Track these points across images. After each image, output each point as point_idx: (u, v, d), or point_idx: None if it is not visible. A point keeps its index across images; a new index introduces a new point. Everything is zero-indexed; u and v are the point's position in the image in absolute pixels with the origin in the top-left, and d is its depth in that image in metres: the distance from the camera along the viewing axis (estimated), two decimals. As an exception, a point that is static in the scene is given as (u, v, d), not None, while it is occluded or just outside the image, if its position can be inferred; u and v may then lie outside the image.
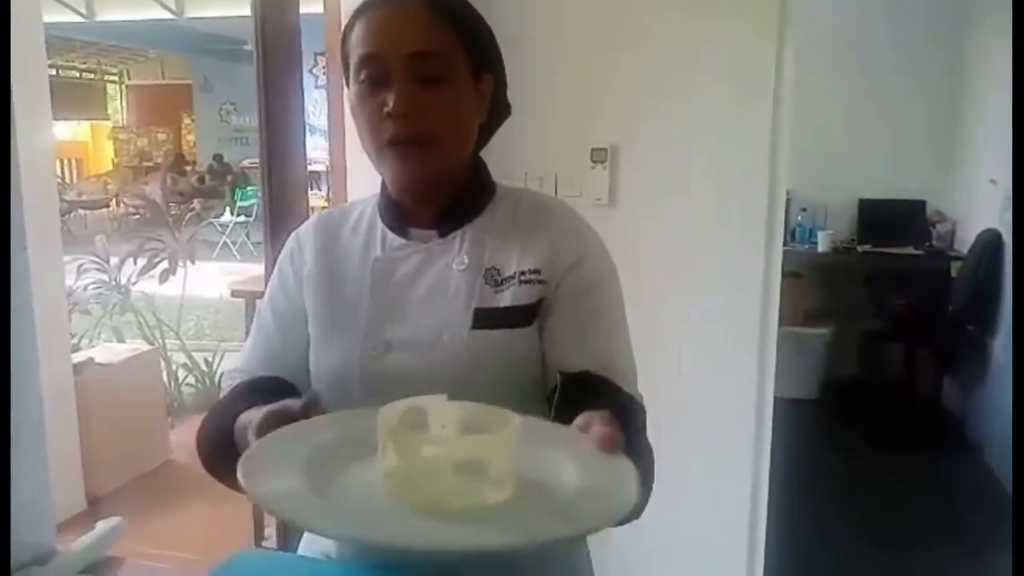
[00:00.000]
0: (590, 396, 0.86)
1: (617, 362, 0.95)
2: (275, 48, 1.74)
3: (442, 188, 0.97)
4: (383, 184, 1.02)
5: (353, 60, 0.93)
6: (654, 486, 0.85)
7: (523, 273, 0.95)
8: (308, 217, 1.35)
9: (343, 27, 0.97)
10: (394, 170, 0.94)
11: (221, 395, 1.01)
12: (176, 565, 0.95)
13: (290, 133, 1.84)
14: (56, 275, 3.17)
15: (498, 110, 1.01)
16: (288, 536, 1.96)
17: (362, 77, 0.92)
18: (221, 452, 0.88)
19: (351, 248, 1.02)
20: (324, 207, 1.12)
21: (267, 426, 0.75)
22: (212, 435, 0.93)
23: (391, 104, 0.89)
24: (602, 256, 1.00)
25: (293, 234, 1.09)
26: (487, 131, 1.02)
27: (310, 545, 1.06)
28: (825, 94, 4.33)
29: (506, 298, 0.95)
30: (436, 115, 0.91)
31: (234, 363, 1.05)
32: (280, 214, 1.80)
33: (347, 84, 0.97)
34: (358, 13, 0.94)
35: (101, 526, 1.06)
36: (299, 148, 1.88)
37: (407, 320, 0.96)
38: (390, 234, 1.01)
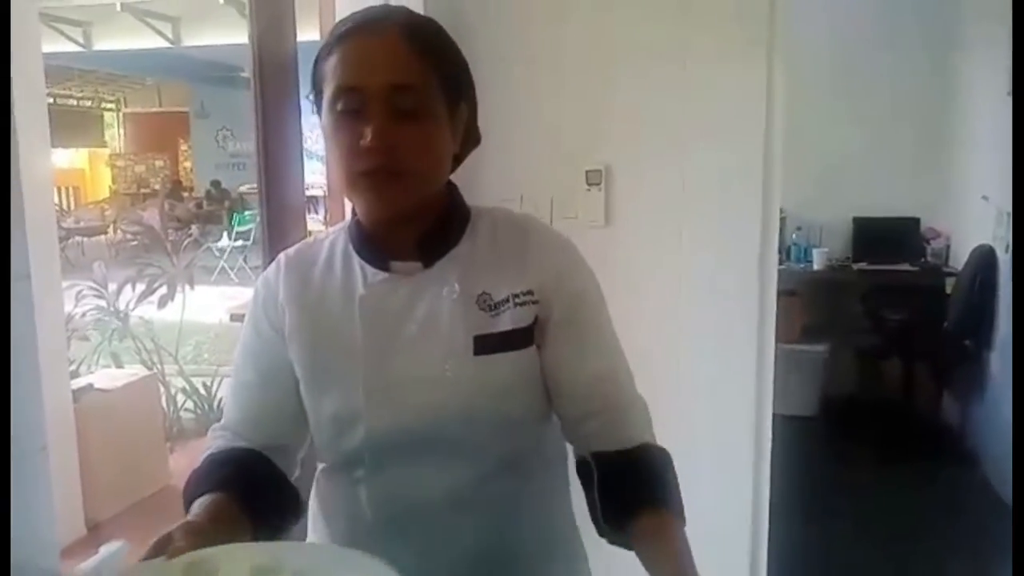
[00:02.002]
0: (628, 482, 0.91)
1: (616, 371, 0.99)
2: (272, 75, 1.76)
3: (418, 217, 0.96)
4: (354, 217, 1.00)
5: (329, 89, 0.92)
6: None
7: (516, 296, 0.96)
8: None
9: (317, 54, 0.95)
10: (368, 200, 0.93)
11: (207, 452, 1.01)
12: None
13: (287, 159, 1.85)
14: (55, 302, 3.18)
15: (469, 138, 1.00)
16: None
17: (339, 107, 0.90)
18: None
19: (329, 289, 0.99)
20: (322, 231, 1.10)
21: (152, 552, 0.80)
22: (186, 502, 0.96)
23: (368, 137, 0.88)
24: (582, 266, 1.02)
25: (261, 279, 1.05)
26: (457, 159, 1.01)
27: None
28: (817, 113, 4.37)
29: (504, 322, 0.95)
30: (412, 148, 0.90)
31: (222, 419, 1.05)
32: (278, 238, 1.81)
33: (318, 112, 0.96)
34: (334, 42, 0.92)
35: (104, 550, 1.07)
36: (297, 173, 1.89)
37: (406, 356, 0.95)
38: (369, 268, 0.98)
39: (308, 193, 2.25)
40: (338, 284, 0.99)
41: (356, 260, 0.99)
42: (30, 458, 1.02)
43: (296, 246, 1.07)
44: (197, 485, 0.94)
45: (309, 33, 1.92)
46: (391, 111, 0.89)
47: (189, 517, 0.89)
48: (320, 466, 1.08)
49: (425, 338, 0.94)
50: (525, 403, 0.98)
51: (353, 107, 0.90)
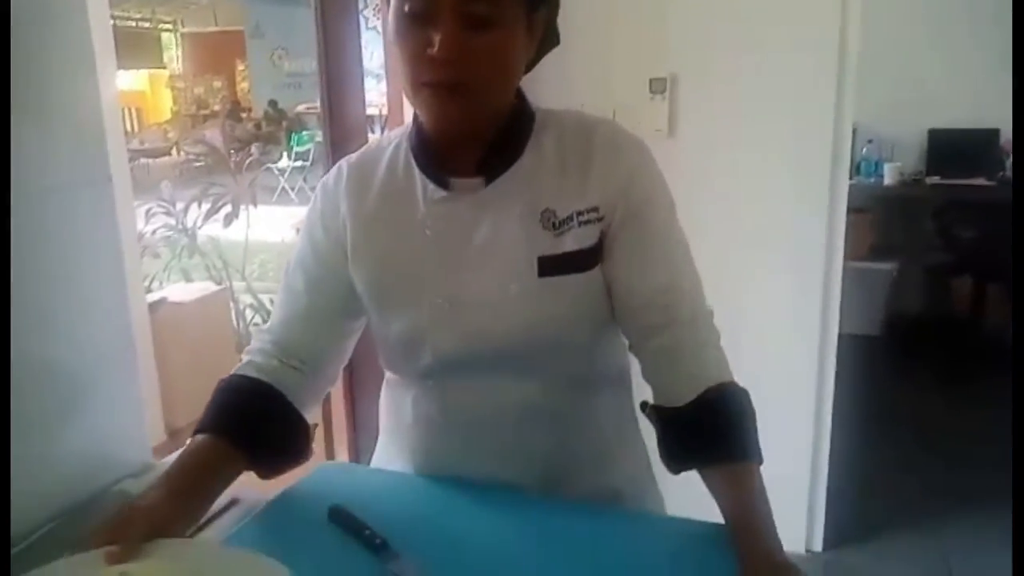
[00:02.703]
0: (689, 443, 0.90)
1: (682, 278, 0.95)
2: (333, -11, 1.75)
3: (482, 130, 0.92)
4: (415, 124, 0.96)
5: None
6: None
7: (580, 214, 0.92)
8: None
9: None
10: (432, 112, 0.88)
11: (242, 361, 1.01)
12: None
13: (349, 77, 1.85)
14: (128, 218, 3.29)
15: (547, 40, 0.94)
16: (358, 459, 2.05)
17: (406, 8, 0.84)
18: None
19: (391, 204, 0.97)
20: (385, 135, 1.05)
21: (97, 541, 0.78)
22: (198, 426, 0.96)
23: (435, 46, 0.82)
24: (650, 171, 0.96)
25: (320, 186, 1.03)
26: (532, 62, 0.95)
27: (382, 465, 1.12)
28: (891, 20, 4.14)
29: (568, 242, 0.92)
30: (482, 62, 0.85)
31: (264, 326, 1.05)
32: (341, 157, 1.83)
33: (386, 4, 0.90)
34: None
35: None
36: (358, 90, 1.90)
37: (470, 275, 0.93)
38: (431, 185, 0.94)
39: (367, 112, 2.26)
40: (399, 200, 0.96)
41: (417, 173, 0.96)
42: (120, 356, 1.07)
43: (358, 153, 1.03)
44: (204, 415, 0.95)
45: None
46: (462, 18, 0.83)
47: (168, 471, 0.89)
48: (387, 378, 1.09)
49: (489, 259, 0.92)
50: (591, 325, 0.97)
51: (422, 10, 0.84)
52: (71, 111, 1.00)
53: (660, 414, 0.93)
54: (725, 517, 0.87)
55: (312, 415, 1.03)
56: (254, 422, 0.94)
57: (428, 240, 0.94)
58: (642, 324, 0.94)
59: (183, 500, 0.86)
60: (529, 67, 0.94)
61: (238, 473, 0.93)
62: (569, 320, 0.94)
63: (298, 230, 1.05)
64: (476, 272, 0.93)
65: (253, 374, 0.97)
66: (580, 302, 0.94)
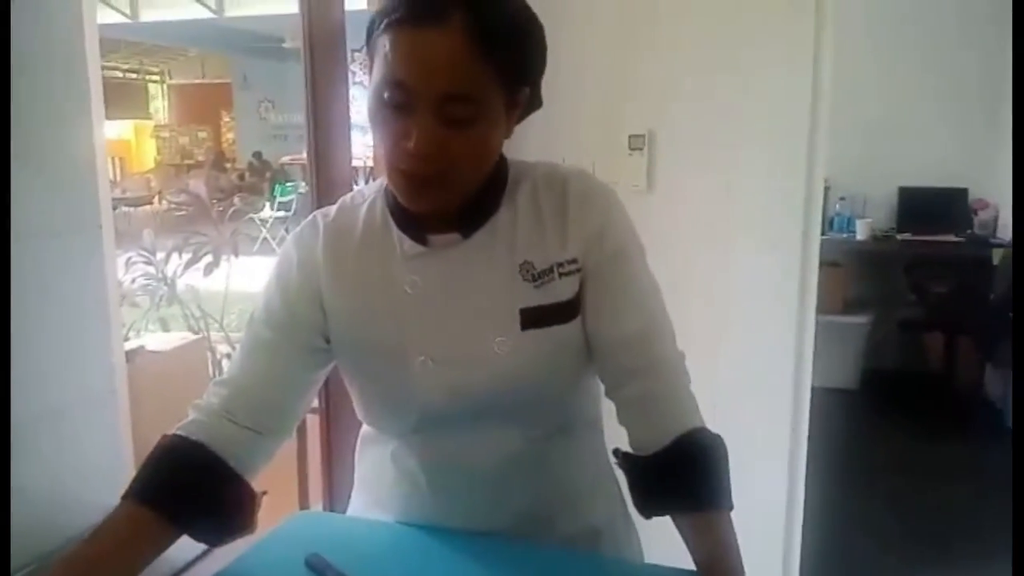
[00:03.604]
0: (660, 489, 0.91)
1: (653, 323, 0.96)
2: (322, 45, 1.79)
3: (458, 205, 0.91)
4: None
5: (378, 71, 0.84)
6: None
7: (560, 265, 0.93)
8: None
9: (373, 16, 0.86)
10: (406, 197, 0.88)
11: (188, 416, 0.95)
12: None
13: (336, 129, 1.89)
14: (110, 267, 3.29)
15: (529, 106, 0.93)
16: (332, 508, 2.03)
17: (385, 96, 0.83)
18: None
19: (368, 263, 0.95)
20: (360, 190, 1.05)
21: None
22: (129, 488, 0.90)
23: (412, 141, 0.82)
24: (622, 221, 0.97)
25: (295, 239, 0.99)
26: (513, 128, 0.93)
27: (358, 514, 1.12)
28: (864, 81, 4.30)
29: (550, 294, 0.92)
30: (460, 157, 0.84)
31: (222, 377, 0.98)
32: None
33: (368, 76, 0.87)
34: (392, 23, 0.82)
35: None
36: (345, 143, 1.92)
37: (453, 331, 0.93)
38: (407, 240, 0.94)
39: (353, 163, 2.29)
40: (377, 258, 0.95)
41: (394, 230, 0.95)
42: (104, 400, 1.08)
43: (334, 209, 1.00)
44: (136, 478, 0.89)
45: (357, 2, 1.95)
46: (442, 118, 0.82)
47: (85, 540, 0.84)
48: (364, 431, 1.09)
49: (471, 314, 0.93)
50: (572, 374, 0.98)
51: (400, 102, 0.82)
52: (67, 159, 1.02)
53: (632, 461, 0.94)
54: (696, 563, 0.88)
55: (258, 480, 0.95)
56: (189, 494, 0.87)
57: (408, 297, 0.93)
58: (617, 369, 0.95)
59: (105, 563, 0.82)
60: (509, 134, 0.92)
61: (167, 544, 0.87)
62: (552, 370, 0.95)
63: None
64: (459, 327, 0.93)
65: (196, 437, 0.90)
66: (563, 352, 0.95)
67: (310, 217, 1.01)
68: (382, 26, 0.83)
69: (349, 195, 1.03)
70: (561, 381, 0.98)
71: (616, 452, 0.97)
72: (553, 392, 0.98)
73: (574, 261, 0.93)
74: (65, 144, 1.03)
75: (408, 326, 0.94)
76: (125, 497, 0.87)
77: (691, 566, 0.90)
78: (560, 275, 0.93)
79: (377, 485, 1.08)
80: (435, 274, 0.93)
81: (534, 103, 0.93)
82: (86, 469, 1.03)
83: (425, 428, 0.97)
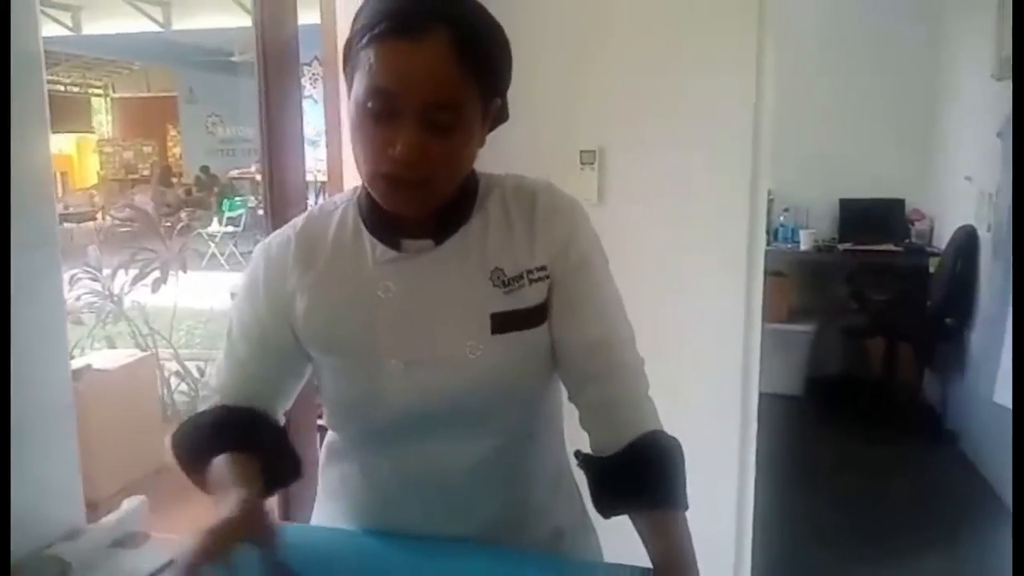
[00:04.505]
0: (618, 488, 0.94)
1: (615, 330, 1.00)
2: (275, 58, 1.80)
3: (435, 209, 0.95)
4: (364, 190, 0.97)
5: (361, 82, 0.87)
6: None
7: (530, 272, 0.96)
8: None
9: (354, 31, 0.89)
10: (388, 201, 0.91)
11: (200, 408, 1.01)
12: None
13: (289, 143, 1.89)
14: (55, 282, 3.22)
15: (498, 120, 0.98)
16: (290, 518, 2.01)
17: (369, 105, 0.86)
18: (194, 471, 0.95)
19: (340, 269, 0.98)
20: (333, 199, 1.07)
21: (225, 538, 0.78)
22: (187, 457, 0.97)
23: (397, 147, 0.85)
24: (585, 231, 1.01)
25: (263, 252, 1.02)
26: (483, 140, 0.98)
27: (323, 523, 1.12)
28: (805, 96, 4.43)
29: (520, 299, 0.96)
30: (441, 162, 0.88)
31: (210, 383, 1.05)
32: (282, 222, 1.85)
33: (348, 91, 0.91)
34: (376, 36, 0.85)
35: (126, 504, 1.12)
36: (298, 158, 1.93)
37: (424, 335, 0.95)
38: (380, 246, 0.97)
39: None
40: (349, 264, 0.98)
41: (366, 237, 0.98)
42: (58, 416, 1.07)
43: (304, 219, 1.03)
44: (208, 440, 0.94)
45: (309, 17, 1.96)
46: (425, 124, 0.85)
47: (231, 480, 0.88)
48: (330, 441, 1.09)
49: (442, 318, 0.95)
50: (540, 376, 1.01)
51: (385, 110, 0.86)
52: (25, 173, 1.02)
53: (592, 462, 0.97)
54: (652, 561, 0.91)
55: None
56: (265, 441, 0.97)
57: (380, 302, 0.95)
58: (581, 374, 0.99)
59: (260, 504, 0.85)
60: (482, 143, 0.96)
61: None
62: (521, 374, 0.98)
63: (232, 294, 1.06)
64: (430, 331, 0.95)
65: (236, 403, 0.99)
66: (532, 356, 0.98)
67: (280, 232, 1.03)
68: (365, 40, 0.86)
69: (318, 205, 1.06)
70: (530, 385, 1.01)
71: (577, 454, 1.00)
72: (522, 396, 1.01)
73: (543, 268, 0.97)
74: (23, 159, 1.02)
75: (380, 330, 0.96)
76: (219, 450, 0.92)
77: (647, 565, 0.93)
78: (530, 281, 0.96)
79: (343, 495, 1.08)
80: (407, 279, 0.96)
81: (503, 115, 0.97)
82: (43, 483, 1.02)
83: (396, 434, 0.99)
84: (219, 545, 0.76)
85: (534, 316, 0.97)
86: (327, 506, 1.12)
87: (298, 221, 1.03)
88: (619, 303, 1.03)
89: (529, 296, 0.96)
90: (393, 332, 0.95)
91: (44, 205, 1.06)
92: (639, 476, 0.94)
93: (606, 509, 0.97)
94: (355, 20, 0.89)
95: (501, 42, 0.92)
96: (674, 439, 0.97)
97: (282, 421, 1.06)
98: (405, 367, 0.95)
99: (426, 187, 0.90)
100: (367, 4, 0.88)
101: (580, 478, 1.06)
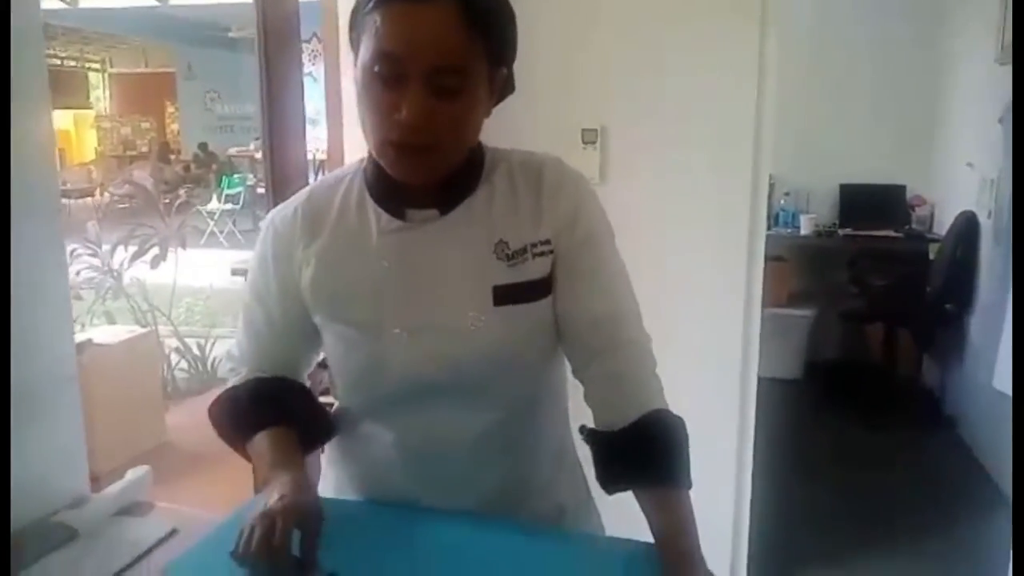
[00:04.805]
0: (623, 465, 0.94)
1: (622, 306, 1.01)
2: (276, 35, 1.78)
3: (443, 177, 0.95)
4: (371, 159, 0.98)
5: (367, 47, 0.87)
6: None
7: (534, 246, 0.97)
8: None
9: (358, 1, 0.89)
10: (396, 168, 0.92)
11: (229, 383, 1.06)
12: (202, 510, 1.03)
13: (291, 120, 1.88)
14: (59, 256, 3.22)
15: (505, 89, 0.97)
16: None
17: (376, 69, 0.86)
18: (237, 443, 1.01)
19: (345, 239, 0.99)
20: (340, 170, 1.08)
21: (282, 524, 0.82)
22: (229, 431, 1.03)
23: (403, 112, 0.85)
24: (592, 206, 1.02)
25: (269, 227, 1.03)
26: (490, 109, 0.97)
27: (326, 494, 1.12)
28: (807, 80, 4.41)
29: (523, 272, 0.96)
30: (448, 127, 0.88)
31: (234, 354, 1.08)
32: (283, 200, 1.85)
33: (354, 60, 0.91)
34: (383, 0, 0.86)
35: (131, 474, 1.13)
36: (299, 135, 1.92)
37: (427, 304, 0.96)
38: (384, 215, 0.98)
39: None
40: (354, 234, 0.98)
41: (371, 207, 0.98)
42: (63, 385, 1.07)
43: (310, 190, 1.05)
44: (247, 415, 1.00)
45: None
46: (432, 87, 0.85)
47: (278, 459, 0.94)
48: (335, 411, 1.10)
49: (445, 288, 0.96)
50: (543, 349, 1.01)
51: (392, 75, 0.86)
52: (28, 144, 1.01)
53: (597, 437, 0.98)
54: (655, 537, 0.92)
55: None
56: (302, 410, 1.02)
57: (385, 271, 0.97)
58: (586, 349, 0.99)
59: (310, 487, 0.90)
60: (489, 112, 0.96)
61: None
62: (523, 346, 0.99)
63: (233, 271, 1.08)
64: (433, 301, 0.96)
65: (269, 374, 1.05)
66: (533, 330, 0.99)
67: (285, 204, 1.04)
68: (372, 4, 0.86)
69: (322, 178, 1.07)
70: (531, 357, 1.01)
71: (582, 429, 1.01)
72: (524, 368, 1.01)
73: (547, 242, 0.97)
74: (26, 129, 1.02)
75: (384, 299, 0.97)
76: (261, 425, 0.99)
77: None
78: (534, 255, 0.97)
79: (345, 463, 1.10)
80: (412, 249, 0.96)
81: (509, 86, 0.97)
82: (50, 452, 1.03)
83: (398, 402, 1.00)
84: (279, 540, 0.80)
85: (537, 289, 0.97)
86: (329, 473, 1.14)
87: (303, 192, 1.05)
88: (625, 278, 1.03)
89: (532, 269, 0.97)
90: (396, 301, 0.96)
91: (47, 177, 1.06)
92: (645, 452, 0.94)
93: (610, 484, 0.97)
94: None
95: (508, 11, 0.93)
96: (679, 418, 0.98)
97: (307, 384, 1.10)
98: (408, 336, 0.96)
99: (433, 153, 0.90)
100: None
101: (583, 457, 1.06)
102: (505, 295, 0.95)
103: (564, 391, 1.11)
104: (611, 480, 0.97)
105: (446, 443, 1.01)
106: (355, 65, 0.91)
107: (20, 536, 1.02)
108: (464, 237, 0.97)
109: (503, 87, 0.96)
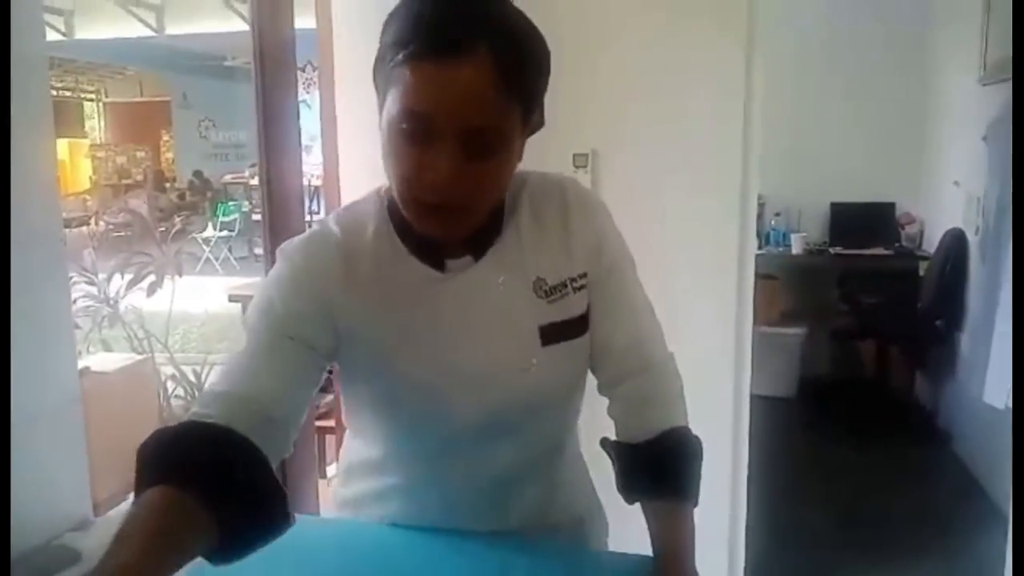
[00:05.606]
0: (641, 477, 0.97)
1: (648, 328, 1.03)
2: (272, 62, 1.82)
3: (472, 231, 0.92)
4: (395, 207, 0.90)
5: (396, 102, 0.81)
6: None
7: (573, 280, 0.96)
8: (304, 229, 1.23)
9: (386, 45, 0.82)
10: (421, 225, 0.87)
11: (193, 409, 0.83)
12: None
13: (287, 148, 1.91)
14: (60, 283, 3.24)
15: (535, 128, 0.92)
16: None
17: (404, 125, 0.81)
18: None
19: (388, 288, 0.93)
20: (357, 207, 1.00)
21: None
22: (143, 475, 0.76)
23: (438, 173, 0.80)
24: (614, 230, 1.02)
25: (299, 249, 0.93)
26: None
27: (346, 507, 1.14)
28: (795, 100, 4.48)
29: (565, 310, 0.95)
30: (481, 186, 0.84)
31: (216, 383, 0.87)
32: (279, 226, 1.88)
33: (379, 106, 0.85)
34: (412, 55, 0.79)
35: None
36: (295, 162, 1.95)
37: (479, 354, 0.93)
38: (423, 267, 0.93)
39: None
40: (396, 283, 0.93)
41: (408, 256, 0.93)
42: (66, 409, 1.09)
43: (340, 228, 0.95)
44: (160, 461, 0.76)
45: (305, 21, 1.98)
46: (464, 150, 0.80)
47: (123, 533, 0.70)
48: (362, 456, 1.07)
49: (494, 335, 0.94)
50: (583, 381, 1.03)
51: (422, 133, 0.80)
52: (32, 172, 1.04)
53: (621, 449, 1.00)
54: (655, 545, 0.95)
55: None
56: (226, 474, 0.76)
57: (434, 324, 0.93)
58: (617, 371, 1.01)
59: (157, 561, 0.68)
60: (521, 156, 0.91)
61: (207, 543, 0.74)
62: (572, 382, 1.01)
63: (230, 297, 1.06)
64: (484, 349, 0.94)
65: (220, 421, 0.79)
66: (577, 365, 1.00)
67: (316, 228, 0.96)
68: (400, 57, 0.80)
69: (343, 216, 0.97)
70: (577, 391, 1.04)
71: (605, 441, 1.02)
72: (570, 402, 1.04)
73: (584, 275, 0.97)
74: (30, 157, 1.05)
75: (435, 352, 0.93)
76: (152, 484, 0.73)
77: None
78: (574, 290, 0.96)
79: (367, 484, 1.09)
80: (455, 299, 0.93)
81: (539, 122, 0.92)
82: (52, 478, 1.05)
83: (440, 446, 0.99)
84: None
85: (579, 325, 0.98)
86: (345, 496, 1.12)
87: (333, 229, 0.94)
88: (647, 301, 1.04)
89: (573, 305, 0.97)
90: (447, 353, 0.93)
91: (50, 204, 1.09)
92: (667, 465, 0.97)
93: (632, 494, 0.99)
94: (385, 30, 0.83)
95: (540, 53, 0.87)
96: (697, 438, 1.00)
97: (287, 440, 0.88)
98: (462, 387, 0.94)
99: (463, 212, 0.86)
100: (398, 13, 0.82)
101: (589, 462, 1.09)
102: (551, 334, 0.95)
103: (581, 406, 1.13)
104: (633, 490, 0.99)
105: (478, 476, 1.02)
106: (380, 113, 0.85)
107: (26, 559, 1.04)
108: (502, 280, 0.94)
109: (536, 126, 0.92)
